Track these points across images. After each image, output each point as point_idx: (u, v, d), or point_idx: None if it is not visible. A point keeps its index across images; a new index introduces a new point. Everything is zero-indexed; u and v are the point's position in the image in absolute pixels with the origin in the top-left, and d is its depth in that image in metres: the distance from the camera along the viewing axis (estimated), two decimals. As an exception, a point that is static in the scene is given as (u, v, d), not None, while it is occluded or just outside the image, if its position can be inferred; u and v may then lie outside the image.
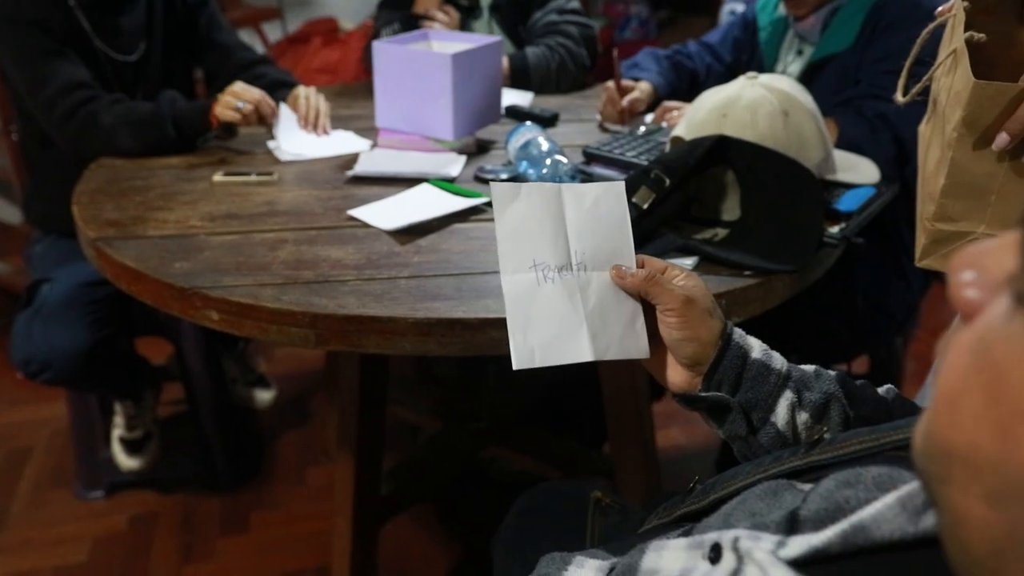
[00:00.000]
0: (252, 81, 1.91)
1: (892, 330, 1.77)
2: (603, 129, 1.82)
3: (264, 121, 1.69)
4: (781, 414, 0.76)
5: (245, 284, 1.12)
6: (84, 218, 1.36)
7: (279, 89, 1.88)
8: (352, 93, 2.14)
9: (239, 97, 1.67)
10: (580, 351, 0.79)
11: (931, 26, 1.00)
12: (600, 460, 1.85)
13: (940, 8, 1.00)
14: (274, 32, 3.82)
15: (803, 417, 0.75)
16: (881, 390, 0.78)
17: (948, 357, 0.36)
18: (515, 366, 0.78)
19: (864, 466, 0.51)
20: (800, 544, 0.46)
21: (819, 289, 1.31)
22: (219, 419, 2.10)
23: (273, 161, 1.63)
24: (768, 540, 0.48)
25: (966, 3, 0.95)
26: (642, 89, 1.83)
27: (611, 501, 0.99)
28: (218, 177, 1.51)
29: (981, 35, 0.89)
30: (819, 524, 0.48)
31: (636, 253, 0.82)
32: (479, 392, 2.08)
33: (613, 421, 1.57)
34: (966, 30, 0.93)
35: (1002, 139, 0.83)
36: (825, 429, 0.65)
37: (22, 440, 2.29)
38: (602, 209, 0.82)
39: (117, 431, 2.13)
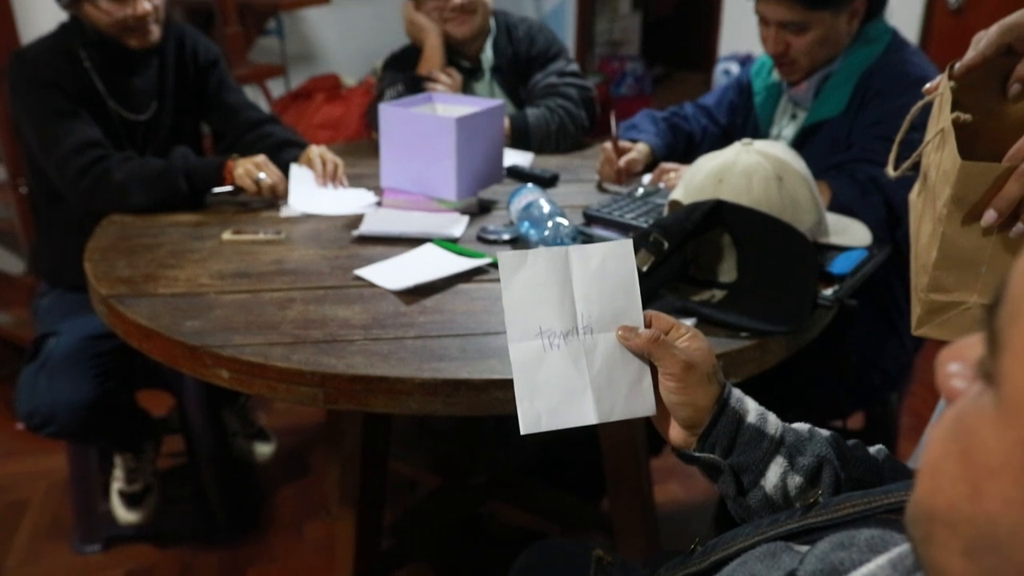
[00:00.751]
0: (259, 140, 1.97)
1: (886, 387, 1.80)
2: (601, 189, 1.87)
3: (276, 197, 1.75)
4: (771, 479, 0.78)
5: (255, 343, 1.15)
6: (96, 275, 1.40)
7: (286, 148, 1.94)
8: (356, 151, 2.19)
9: (261, 170, 1.74)
10: (585, 415, 0.82)
11: (919, 104, 1.04)
12: (598, 514, 1.86)
13: (927, 86, 1.06)
14: (277, 88, 3.89)
15: (796, 481, 0.78)
16: (872, 450, 0.81)
17: (932, 434, 0.40)
18: (522, 431, 0.81)
19: (857, 528, 0.54)
20: None
21: (814, 348, 1.34)
22: (219, 472, 2.11)
23: (279, 219, 1.67)
24: None
25: (952, 83, 1.00)
26: (639, 150, 1.88)
27: (612, 559, 1.01)
28: (227, 236, 1.55)
29: (967, 116, 0.93)
30: None
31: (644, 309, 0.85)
32: (477, 447, 2.09)
33: (612, 475, 1.59)
34: (953, 107, 0.98)
35: (990, 216, 0.87)
36: (820, 492, 0.68)
37: (19, 492, 2.29)
38: (609, 269, 0.84)
39: (116, 484, 2.14)
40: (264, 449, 2.40)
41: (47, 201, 1.95)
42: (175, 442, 2.24)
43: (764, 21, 1.75)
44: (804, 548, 0.58)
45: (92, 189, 1.74)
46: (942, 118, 0.97)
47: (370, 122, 2.23)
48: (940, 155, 0.95)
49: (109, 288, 1.34)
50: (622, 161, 1.83)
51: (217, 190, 1.75)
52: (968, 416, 0.38)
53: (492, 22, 2.21)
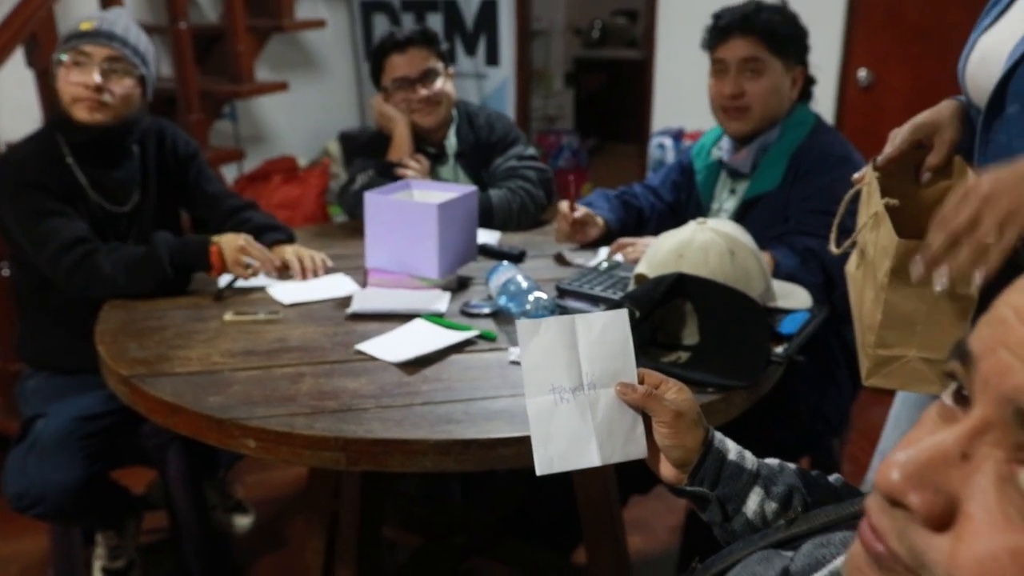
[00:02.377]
0: (239, 226, 2.07)
1: (829, 433, 1.99)
2: (563, 262, 2.03)
3: (270, 274, 1.86)
4: (751, 506, 0.94)
5: (278, 415, 1.27)
6: (112, 357, 1.50)
7: (265, 233, 2.05)
8: (329, 234, 2.33)
9: (246, 254, 1.84)
10: (590, 458, 0.97)
11: (851, 192, 1.25)
12: (573, 566, 1.98)
13: (856, 176, 1.26)
14: (229, 172, 4.01)
15: (772, 506, 0.94)
16: (831, 478, 0.98)
17: (966, 566, 0.43)
18: (538, 472, 0.95)
19: (832, 532, 0.69)
20: None
21: (767, 400, 1.51)
22: (202, 546, 2.16)
23: (272, 301, 1.79)
24: None
25: (876, 172, 1.21)
26: (596, 222, 2.08)
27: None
28: (228, 317, 1.67)
29: (895, 201, 1.14)
30: (806, 575, 0.66)
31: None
32: (446, 507, 2.20)
33: (588, 525, 1.72)
34: (881, 194, 1.18)
35: (916, 269, 1.05)
36: (800, 509, 0.84)
37: (-6, 577, 2.31)
38: (608, 334, 1.00)
39: (99, 562, 2.18)
40: (243, 521, 2.47)
41: (32, 290, 2.02)
42: (155, 518, 2.29)
43: (722, 69, 1.96)
44: (790, 553, 0.74)
45: (85, 283, 1.82)
46: (873, 203, 1.17)
47: (343, 206, 2.39)
48: (876, 234, 1.14)
49: (128, 369, 1.44)
50: (578, 212, 2.02)
51: (222, 284, 1.84)
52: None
53: (454, 111, 2.40)
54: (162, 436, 1.98)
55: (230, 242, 1.85)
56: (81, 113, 1.89)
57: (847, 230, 1.34)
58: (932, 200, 1.30)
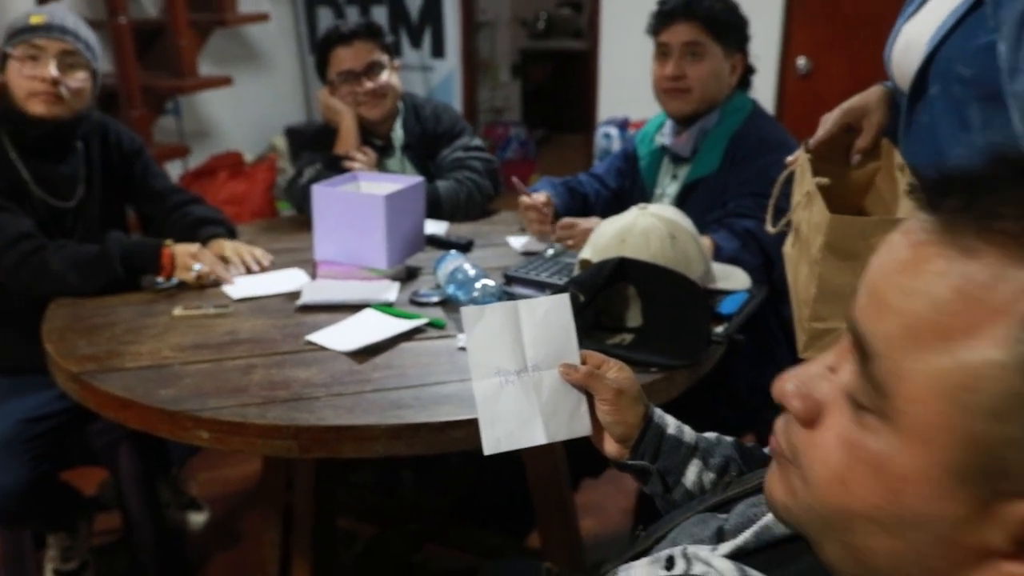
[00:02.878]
0: (181, 219, 2.06)
1: (769, 408, 2.05)
2: (522, 252, 2.06)
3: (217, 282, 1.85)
4: (690, 477, 0.99)
5: (230, 405, 1.29)
6: (60, 354, 1.49)
7: (204, 226, 2.04)
8: (277, 228, 2.34)
9: (196, 260, 1.83)
10: (536, 436, 1.01)
11: (784, 173, 1.30)
12: (527, 548, 2.02)
13: (789, 159, 1.32)
14: (174, 168, 3.97)
15: (710, 477, 0.99)
16: (766, 450, 1.03)
17: (817, 454, 0.56)
18: (485, 452, 0.99)
19: (760, 494, 0.74)
20: (728, 545, 0.69)
21: (709, 379, 1.56)
22: (156, 546, 2.15)
23: (222, 295, 1.79)
24: (706, 547, 0.70)
25: (809, 155, 1.26)
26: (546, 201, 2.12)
27: (561, 570, 1.19)
28: (178, 311, 1.67)
29: (826, 180, 1.19)
30: (738, 531, 0.71)
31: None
32: (398, 494, 2.23)
33: (539, 508, 1.76)
34: (813, 174, 1.23)
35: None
36: (735, 476, 0.89)
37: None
38: (551, 318, 1.04)
39: (51, 564, 2.16)
40: (197, 518, 2.46)
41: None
42: (107, 519, 2.28)
43: (665, 52, 2.03)
44: (725, 515, 0.79)
45: (31, 279, 1.80)
46: (805, 182, 1.22)
47: (291, 200, 2.39)
48: (809, 212, 1.19)
49: (78, 366, 1.44)
50: (540, 197, 2.06)
51: (161, 285, 1.82)
52: (869, 443, 0.51)
53: (401, 104, 2.42)
54: (112, 434, 1.97)
55: (183, 248, 1.86)
56: (38, 107, 1.87)
57: (782, 210, 1.40)
58: (862, 181, 1.36)
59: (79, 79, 1.91)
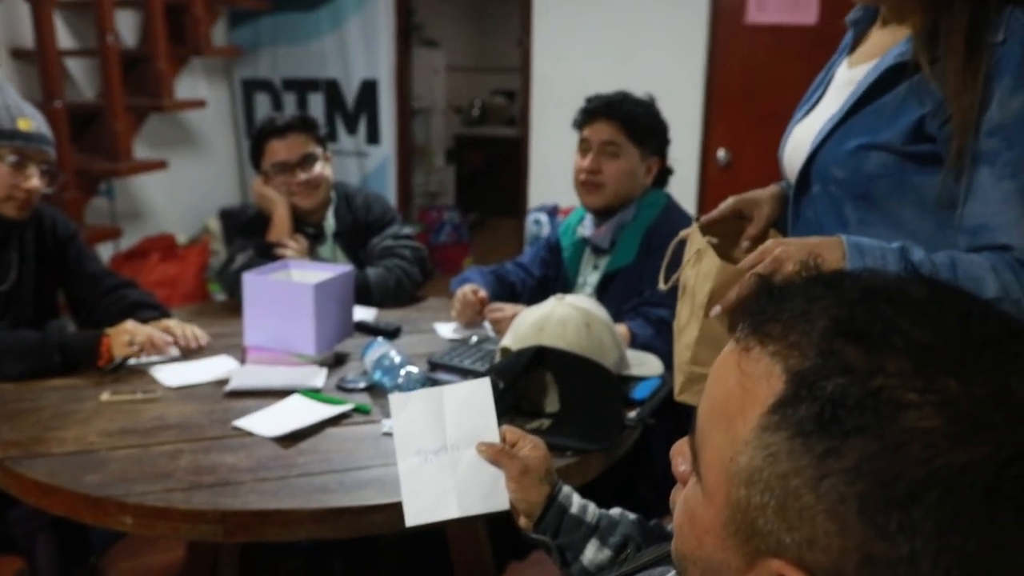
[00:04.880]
0: (114, 304, 2.10)
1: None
2: (448, 339, 2.13)
3: (157, 351, 1.89)
4: (588, 555, 1.07)
5: (155, 491, 1.31)
6: (-17, 441, 1.50)
7: (139, 310, 2.07)
8: (209, 313, 2.37)
9: (133, 335, 1.87)
10: (450, 510, 1.10)
11: (676, 239, 1.40)
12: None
13: (682, 233, 1.42)
14: (105, 250, 3.95)
15: (607, 554, 1.07)
16: (669, 527, 1.10)
17: (676, 508, 0.66)
18: (407, 524, 1.08)
19: (653, 568, 0.81)
20: None
21: (626, 461, 1.64)
22: (73, 635, 2.12)
23: (151, 380, 1.82)
24: None
25: (699, 223, 1.37)
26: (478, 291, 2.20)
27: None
28: (106, 397, 1.69)
29: (714, 239, 1.29)
30: None
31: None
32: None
33: (459, 567, 1.78)
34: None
35: (715, 309, 1.20)
36: (625, 556, 0.96)
37: None
38: (473, 400, 1.13)
39: (-39, 657, 2.10)
40: (117, 607, 2.41)
41: None
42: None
43: (586, 147, 2.17)
44: None
45: None
46: (695, 244, 1.32)
47: (223, 284, 2.43)
48: (698, 267, 1.28)
49: (0, 451, 1.45)
50: (481, 292, 2.14)
51: (112, 367, 1.85)
52: (691, 498, 0.63)
53: (333, 193, 2.50)
54: (31, 522, 1.95)
55: (118, 333, 1.88)
56: (11, 211, 1.94)
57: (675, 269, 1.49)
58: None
59: (45, 183, 1.98)
